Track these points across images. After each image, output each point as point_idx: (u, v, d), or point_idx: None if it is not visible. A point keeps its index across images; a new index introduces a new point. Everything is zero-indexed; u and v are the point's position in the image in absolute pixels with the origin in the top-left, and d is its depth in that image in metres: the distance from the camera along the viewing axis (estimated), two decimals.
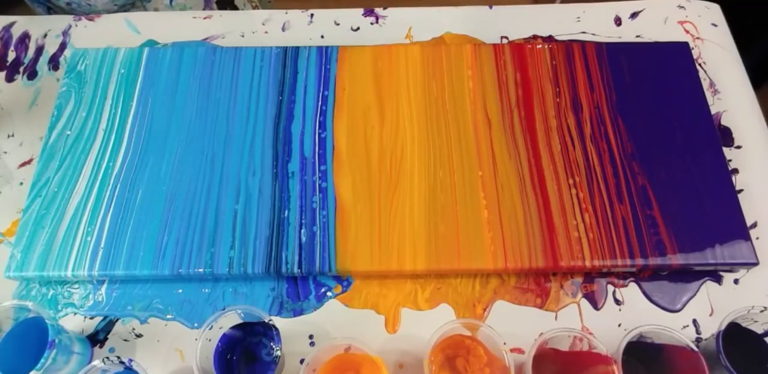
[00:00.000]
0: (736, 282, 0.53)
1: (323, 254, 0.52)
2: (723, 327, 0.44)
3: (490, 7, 0.69)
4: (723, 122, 0.62)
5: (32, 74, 0.66)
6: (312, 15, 0.69)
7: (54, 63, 0.66)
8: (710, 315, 0.52)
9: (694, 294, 0.53)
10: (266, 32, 0.68)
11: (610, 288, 0.53)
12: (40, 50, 0.67)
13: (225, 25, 0.68)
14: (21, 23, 0.69)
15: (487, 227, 0.53)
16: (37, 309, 0.45)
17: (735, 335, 0.46)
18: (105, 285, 0.53)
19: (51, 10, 0.77)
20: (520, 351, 0.50)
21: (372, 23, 0.68)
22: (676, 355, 0.45)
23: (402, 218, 0.53)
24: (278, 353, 0.45)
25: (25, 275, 0.51)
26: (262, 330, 0.50)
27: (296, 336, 0.51)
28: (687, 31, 0.67)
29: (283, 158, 0.56)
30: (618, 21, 0.68)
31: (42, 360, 0.42)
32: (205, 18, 0.69)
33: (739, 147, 0.60)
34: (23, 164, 0.60)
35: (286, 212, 0.53)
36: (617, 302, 0.52)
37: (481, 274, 0.53)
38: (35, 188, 0.55)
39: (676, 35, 0.67)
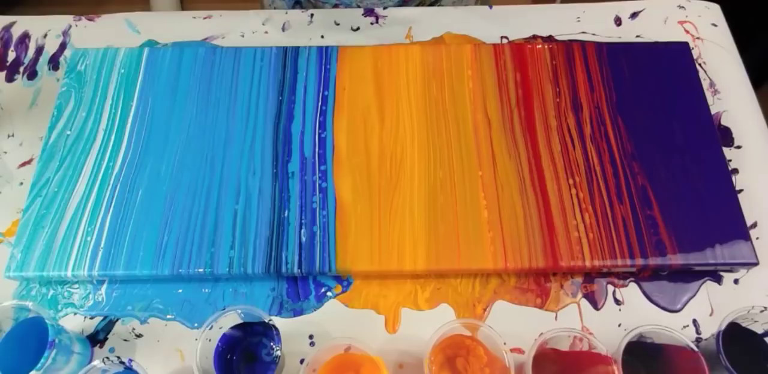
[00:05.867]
0: (736, 282, 0.53)
1: (323, 254, 0.52)
2: (723, 327, 0.44)
3: (490, 7, 0.69)
4: (723, 122, 0.62)
5: (32, 74, 0.66)
6: (312, 15, 0.69)
7: (54, 63, 0.66)
8: (710, 315, 0.52)
9: (694, 294, 0.53)
10: (266, 32, 0.68)
11: (610, 287, 0.53)
12: (40, 50, 0.67)
13: (225, 25, 0.68)
14: (21, 23, 0.69)
15: (487, 227, 0.53)
16: (37, 309, 0.45)
17: (735, 335, 0.46)
18: (105, 285, 0.53)
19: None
20: (520, 351, 0.50)
21: (372, 23, 0.68)
22: (676, 355, 0.45)
23: (402, 218, 0.53)
24: (278, 353, 0.45)
25: (25, 275, 0.51)
26: (262, 330, 0.50)
27: (296, 336, 0.51)
28: (687, 31, 0.67)
29: (283, 158, 0.57)
30: (618, 21, 0.68)
31: (42, 360, 0.42)
32: (205, 18, 0.69)
33: (739, 147, 0.60)
34: (23, 164, 0.60)
35: (286, 212, 0.53)
36: (617, 302, 0.52)
37: (481, 274, 0.53)
38: (35, 188, 0.55)
39: (676, 35, 0.67)
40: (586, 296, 0.53)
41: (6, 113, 0.63)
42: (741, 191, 0.57)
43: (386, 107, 0.59)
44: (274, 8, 0.78)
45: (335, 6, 0.73)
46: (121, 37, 0.67)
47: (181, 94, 0.60)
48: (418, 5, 0.73)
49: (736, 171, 0.59)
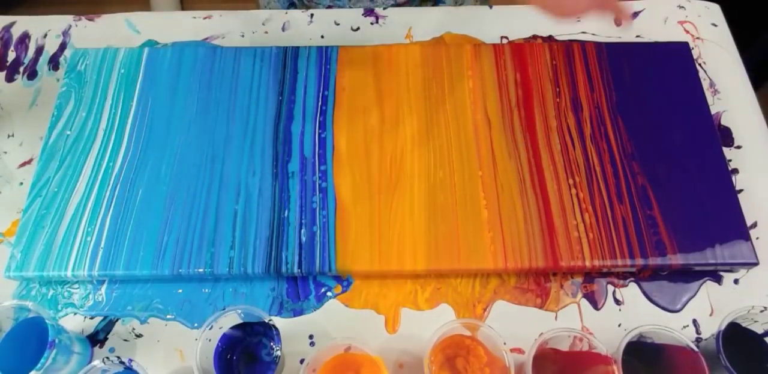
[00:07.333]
0: (736, 282, 0.53)
1: (323, 254, 0.52)
2: (723, 327, 0.44)
3: (490, 7, 0.69)
4: (723, 122, 0.62)
5: (32, 74, 0.66)
6: (312, 15, 0.69)
7: (54, 63, 0.66)
8: (710, 315, 0.52)
9: (694, 294, 0.53)
10: (266, 32, 0.68)
11: (610, 288, 0.53)
12: (40, 50, 0.67)
13: (225, 25, 0.68)
14: (21, 23, 0.69)
15: (487, 227, 0.53)
16: (37, 309, 0.45)
17: (735, 335, 0.46)
18: (105, 285, 0.53)
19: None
20: (520, 351, 0.50)
21: (372, 23, 0.68)
22: (676, 355, 0.45)
23: (402, 218, 0.53)
24: (278, 353, 0.45)
25: (25, 275, 0.51)
26: (262, 330, 0.50)
27: (296, 336, 0.51)
28: (687, 31, 0.67)
29: (283, 158, 0.57)
30: (618, 21, 0.68)
31: (42, 360, 0.42)
32: (205, 18, 0.69)
33: (739, 147, 0.60)
34: (23, 164, 0.60)
35: (286, 212, 0.53)
36: (617, 302, 0.52)
37: (481, 274, 0.53)
38: (35, 188, 0.55)
39: (676, 35, 0.67)
40: (586, 296, 0.53)
41: (6, 113, 0.63)
42: (741, 191, 0.57)
43: (386, 107, 0.59)
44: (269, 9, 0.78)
45: (328, 7, 0.73)
46: (121, 37, 0.67)
47: (181, 94, 0.60)
48: (419, 5, 0.73)
49: (736, 171, 0.59)
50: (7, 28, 0.69)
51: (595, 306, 0.52)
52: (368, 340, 0.45)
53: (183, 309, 0.52)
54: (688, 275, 0.53)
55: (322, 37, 0.67)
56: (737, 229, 0.53)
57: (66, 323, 0.52)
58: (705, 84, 0.63)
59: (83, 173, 0.56)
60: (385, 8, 0.69)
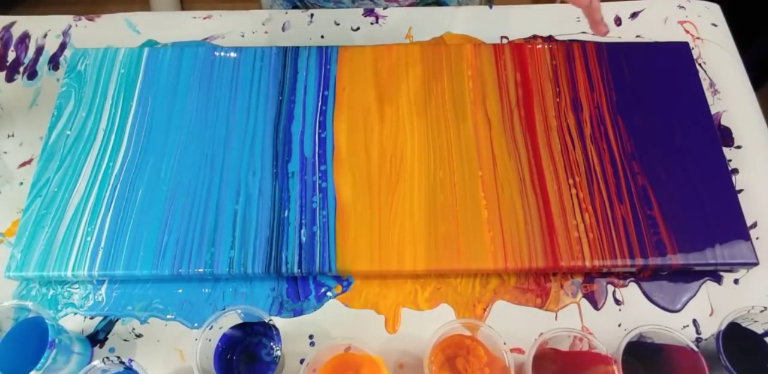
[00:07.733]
0: (736, 282, 0.53)
1: (323, 254, 0.52)
2: (723, 327, 0.44)
3: (490, 7, 0.69)
4: (723, 122, 0.62)
5: (32, 74, 0.66)
6: (312, 15, 0.69)
7: (54, 63, 0.66)
8: (710, 315, 0.52)
9: (694, 294, 0.53)
10: (266, 32, 0.68)
11: (610, 288, 0.53)
12: (40, 50, 0.67)
13: (225, 25, 0.68)
14: (21, 23, 0.69)
15: (487, 227, 0.53)
16: (37, 309, 0.45)
17: (735, 335, 0.46)
18: (105, 285, 0.53)
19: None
20: (520, 351, 0.50)
21: (372, 23, 0.68)
22: (676, 355, 0.45)
23: (402, 218, 0.53)
24: (278, 353, 0.45)
25: (25, 275, 0.51)
26: (262, 330, 0.50)
27: (296, 336, 0.51)
28: (687, 31, 0.67)
29: (283, 158, 0.57)
30: (618, 21, 0.68)
31: (42, 360, 0.42)
32: (205, 18, 0.69)
33: (739, 147, 0.60)
34: (23, 164, 0.60)
35: (286, 212, 0.53)
36: (617, 302, 0.52)
37: (481, 274, 0.53)
38: (35, 188, 0.55)
39: (676, 35, 0.67)
40: (586, 296, 0.53)
41: (6, 113, 0.64)
42: (741, 191, 0.57)
43: (386, 107, 0.59)
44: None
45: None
46: (121, 37, 0.67)
47: (181, 94, 0.60)
48: (423, 6, 0.73)
49: (736, 171, 0.59)
50: (7, 28, 0.69)
51: (595, 306, 0.52)
52: (368, 340, 0.45)
53: (183, 309, 0.52)
54: (688, 275, 0.53)
55: (322, 37, 0.67)
56: (737, 229, 0.53)
57: (66, 323, 0.52)
58: (705, 84, 0.63)
59: (83, 173, 0.56)
60: (385, 8, 0.69)
